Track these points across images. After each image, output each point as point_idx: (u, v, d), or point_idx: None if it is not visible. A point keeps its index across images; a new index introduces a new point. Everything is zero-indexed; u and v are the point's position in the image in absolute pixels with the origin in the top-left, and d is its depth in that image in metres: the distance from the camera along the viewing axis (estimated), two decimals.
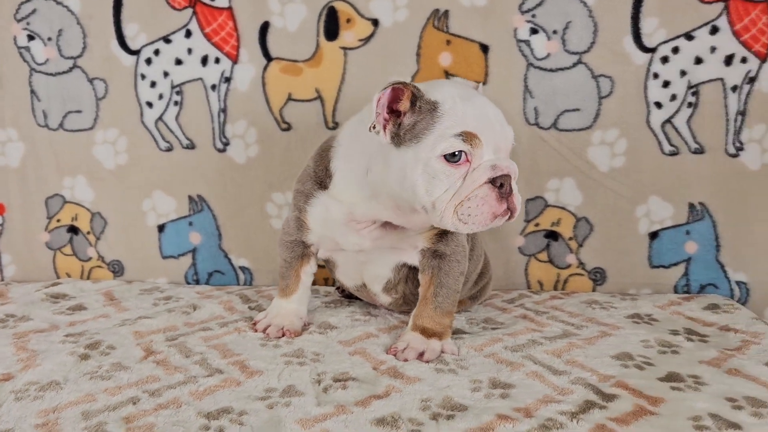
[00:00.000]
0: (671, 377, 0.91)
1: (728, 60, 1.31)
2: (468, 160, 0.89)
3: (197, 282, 1.49)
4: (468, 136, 0.87)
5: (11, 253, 1.52)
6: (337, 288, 1.37)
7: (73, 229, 1.51)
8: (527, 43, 1.34)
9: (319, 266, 1.38)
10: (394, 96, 0.90)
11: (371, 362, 0.97)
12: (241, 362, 0.96)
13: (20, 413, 0.80)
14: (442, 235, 1.04)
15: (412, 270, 1.09)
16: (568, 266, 1.42)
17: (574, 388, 0.87)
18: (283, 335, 1.08)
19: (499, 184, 0.88)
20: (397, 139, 0.91)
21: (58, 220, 1.50)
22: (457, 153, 0.88)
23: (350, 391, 0.86)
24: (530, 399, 0.84)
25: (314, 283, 1.47)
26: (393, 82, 0.89)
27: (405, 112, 0.90)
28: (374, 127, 0.91)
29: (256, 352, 1.00)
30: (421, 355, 0.98)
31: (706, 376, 0.91)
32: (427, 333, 1.02)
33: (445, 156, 0.88)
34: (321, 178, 1.04)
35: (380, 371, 0.93)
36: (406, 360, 0.97)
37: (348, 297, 1.32)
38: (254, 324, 1.12)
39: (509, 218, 0.91)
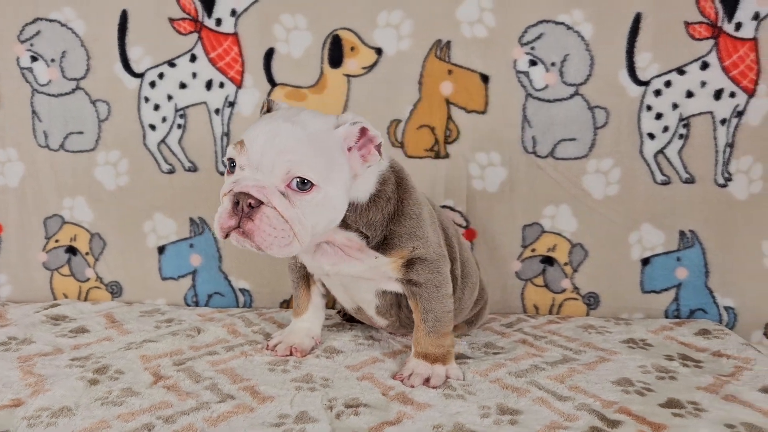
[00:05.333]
0: (671, 403, 0.94)
1: (718, 94, 1.36)
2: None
3: (196, 304, 1.49)
4: (238, 144, 0.90)
5: (7, 273, 1.51)
6: (339, 311, 1.39)
7: (72, 250, 1.50)
8: (526, 74, 1.39)
9: None
10: None
11: (380, 388, 0.98)
12: (251, 387, 0.97)
13: None
14: (410, 265, 1.02)
15: (403, 295, 1.08)
16: (563, 291, 1.46)
17: (580, 414, 0.90)
18: (291, 354, 1.10)
19: (236, 201, 0.87)
20: None
21: (57, 241, 1.50)
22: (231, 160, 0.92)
23: (363, 417, 0.88)
24: (538, 425, 0.86)
25: None
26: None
27: None
28: None
29: (266, 377, 1.01)
30: (427, 381, 1.00)
31: (704, 403, 0.94)
32: (430, 358, 1.04)
33: (227, 162, 0.93)
34: None
35: (389, 397, 0.95)
36: (413, 386, 0.99)
37: (348, 320, 1.34)
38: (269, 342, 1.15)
39: (257, 247, 0.87)
